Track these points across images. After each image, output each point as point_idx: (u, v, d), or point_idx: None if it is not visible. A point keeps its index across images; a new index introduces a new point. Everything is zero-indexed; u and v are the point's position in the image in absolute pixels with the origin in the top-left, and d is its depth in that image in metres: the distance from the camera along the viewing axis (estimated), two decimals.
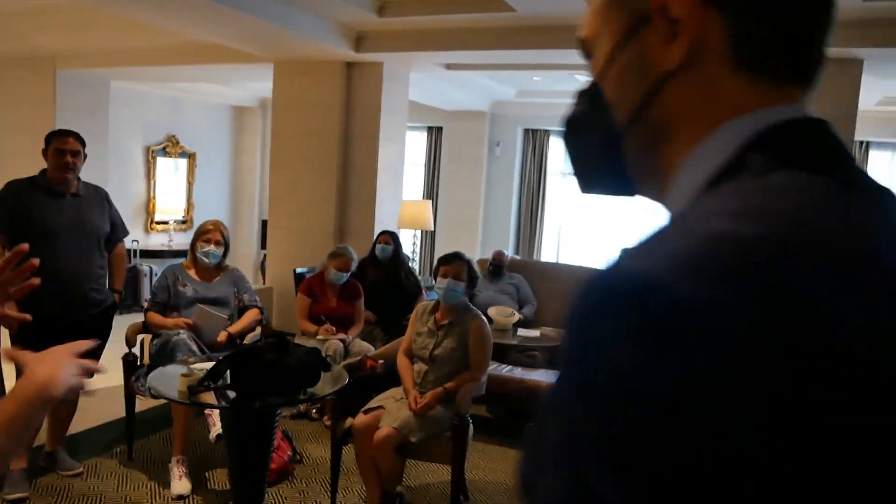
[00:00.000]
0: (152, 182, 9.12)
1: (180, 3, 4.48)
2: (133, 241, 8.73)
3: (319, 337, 4.40)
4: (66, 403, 3.41)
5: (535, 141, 8.98)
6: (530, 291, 5.93)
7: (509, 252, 8.89)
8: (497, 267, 5.95)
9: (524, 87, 8.23)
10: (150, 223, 9.16)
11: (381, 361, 3.51)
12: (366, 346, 4.33)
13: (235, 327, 3.85)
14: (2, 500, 3.24)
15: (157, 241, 9.18)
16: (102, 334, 3.51)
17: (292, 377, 2.61)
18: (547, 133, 8.91)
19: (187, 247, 9.37)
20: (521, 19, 4.98)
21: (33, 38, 6.90)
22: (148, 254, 8.86)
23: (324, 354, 3.79)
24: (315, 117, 6.20)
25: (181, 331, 3.62)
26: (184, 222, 9.67)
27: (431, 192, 9.51)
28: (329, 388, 2.89)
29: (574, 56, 5.37)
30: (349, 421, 3.19)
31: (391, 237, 5.40)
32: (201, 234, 3.93)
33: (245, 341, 3.83)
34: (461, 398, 3.08)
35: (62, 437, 3.60)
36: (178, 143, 9.40)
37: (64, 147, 3.36)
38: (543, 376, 4.31)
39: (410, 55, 5.74)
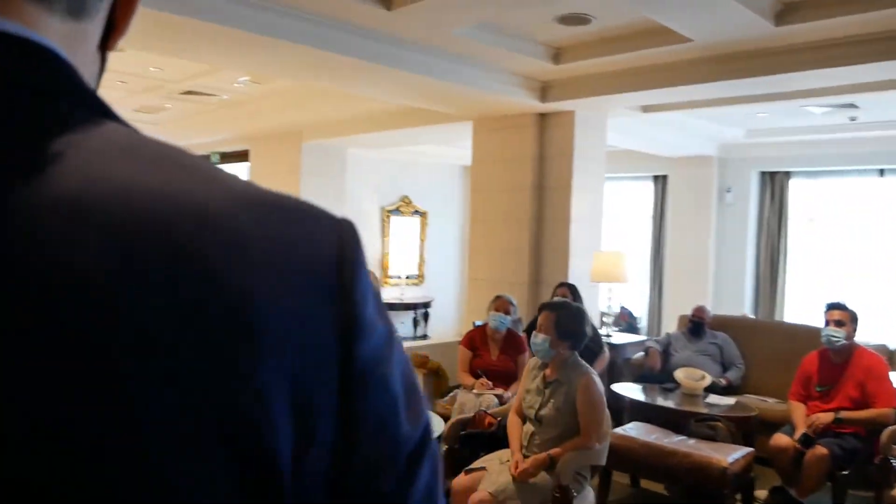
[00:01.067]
0: (387, 239, 9.83)
1: (391, 77, 4.83)
2: None
3: (475, 391, 4.29)
4: None
5: (773, 185, 8.00)
6: (737, 353, 5.21)
7: (747, 311, 7.97)
8: (697, 324, 5.33)
9: (753, 126, 7.42)
10: (384, 277, 9.84)
11: (500, 419, 3.28)
12: (492, 401, 4.11)
13: None
14: None
15: (390, 294, 9.80)
16: None
17: None
18: (787, 175, 7.89)
19: (419, 300, 9.91)
20: (703, 49, 4.52)
21: (284, 116, 7.94)
22: None
23: (479, 409, 3.68)
24: (509, 170, 6.22)
25: None
26: (416, 277, 10.23)
27: (659, 244, 8.93)
28: None
29: (780, 83, 4.72)
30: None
31: (569, 289, 5.14)
32: None
33: None
34: (562, 467, 2.74)
35: None
36: (410, 202, 10.05)
37: None
38: (718, 452, 3.68)
39: (598, 100, 5.50)
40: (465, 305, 10.09)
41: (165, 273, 0.34)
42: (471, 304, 6.64)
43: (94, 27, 0.45)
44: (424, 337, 9.59)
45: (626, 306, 8.77)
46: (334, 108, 7.33)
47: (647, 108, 5.98)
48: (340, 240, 0.41)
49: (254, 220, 0.38)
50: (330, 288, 0.39)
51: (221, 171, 0.41)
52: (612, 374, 5.49)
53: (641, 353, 5.59)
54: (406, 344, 7.22)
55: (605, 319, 6.03)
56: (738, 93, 5.16)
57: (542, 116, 6.04)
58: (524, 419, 3.04)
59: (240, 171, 9.82)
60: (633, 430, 4.16)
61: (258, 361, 0.35)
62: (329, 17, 4.14)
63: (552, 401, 2.90)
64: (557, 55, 5.01)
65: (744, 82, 4.71)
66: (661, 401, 4.69)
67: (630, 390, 4.96)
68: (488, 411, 3.55)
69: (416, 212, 10.14)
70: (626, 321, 8.70)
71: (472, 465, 2.99)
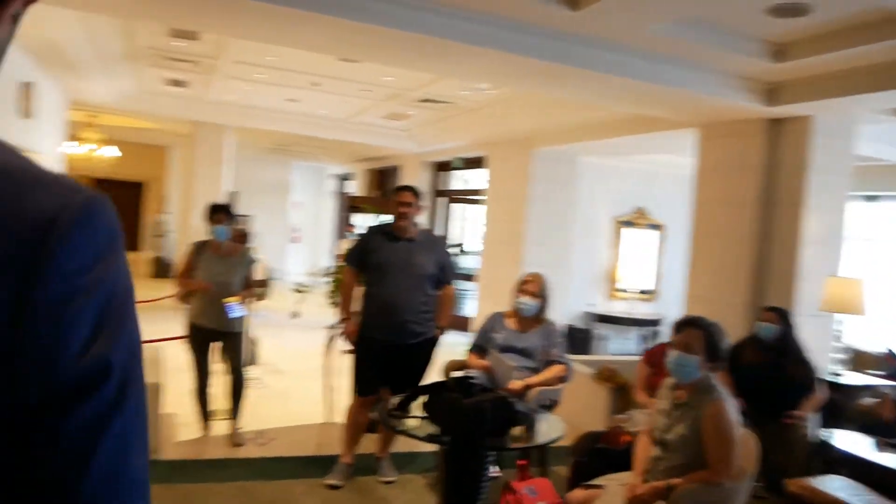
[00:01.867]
0: (617, 251, 9.54)
1: (593, 81, 4.77)
2: (589, 304, 9.27)
3: (647, 411, 4.02)
4: None
5: None
6: None
7: None
8: None
9: None
10: (612, 290, 9.56)
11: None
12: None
13: (535, 378, 3.84)
14: (322, 483, 3.93)
15: (617, 308, 9.50)
16: (419, 362, 3.97)
17: (463, 418, 2.55)
18: None
19: (649, 317, 9.48)
20: None
21: (515, 123, 8.15)
22: (606, 319, 9.26)
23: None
24: (732, 182, 5.71)
25: (474, 372, 3.82)
26: (650, 293, 9.79)
27: None
28: (520, 441, 2.70)
29: None
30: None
31: (778, 315, 4.56)
32: (520, 285, 4.08)
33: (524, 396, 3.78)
34: (678, 499, 2.48)
35: (387, 450, 4.16)
36: (646, 214, 9.64)
37: (401, 199, 3.98)
38: None
39: (837, 103, 4.80)
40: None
41: None
42: None
43: None
44: None
45: (895, 350, 7.47)
46: (563, 114, 7.33)
47: None
48: (65, 206, 0.49)
49: None
50: (24, 240, 0.47)
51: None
52: (833, 418, 4.75)
53: (873, 399, 4.77)
54: (620, 358, 6.95)
55: (835, 355, 5.24)
56: None
57: (774, 123, 5.43)
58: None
59: (480, 176, 10.25)
60: (829, 482, 3.59)
61: None
62: (521, 21, 4.17)
63: (679, 425, 2.62)
64: (780, 52, 4.48)
65: None
66: (881, 458, 3.97)
67: (846, 439, 4.26)
68: (627, 428, 3.32)
69: (653, 225, 9.70)
70: (893, 364, 7.43)
71: (592, 482, 2.82)
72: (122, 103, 8.69)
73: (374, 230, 4.19)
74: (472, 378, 2.73)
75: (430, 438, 2.76)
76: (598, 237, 9.45)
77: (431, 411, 2.73)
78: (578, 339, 8.79)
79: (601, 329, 9.17)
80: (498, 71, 4.87)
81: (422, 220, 4.04)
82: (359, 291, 4.16)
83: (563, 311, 8.64)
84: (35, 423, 0.46)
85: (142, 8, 4.38)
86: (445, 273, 4.11)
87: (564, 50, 4.38)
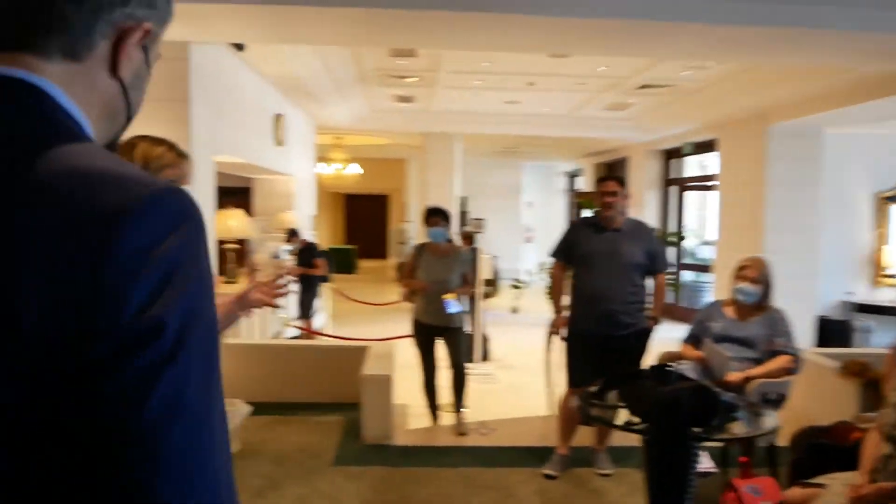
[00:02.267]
0: (881, 231, 8.40)
1: (852, 41, 4.32)
2: (847, 293, 8.28)
3: None
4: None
5: None
6: None
7: None
8: None
9: None
10: (877, 276, 8.45)
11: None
12: None
13: (756, 370, 3.57)
14: (539, 473, 4.02)
15: (883, 296, 8.37)
16: (631, 354, 3.90)
17: (658, 407, 2.46)
18: None
19: None
20: None
21: (745, 99, 7.58)
22: (870, 309, 8.20)
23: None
24: None
25: (686, 363, 3.64)
26: None
27: None
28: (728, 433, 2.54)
29: None
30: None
31: None
32: (738, 271, 3.82)
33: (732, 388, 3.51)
34: None
35: (604, 443, 4.13)
36: None
37: (604, 189, 3.94)
38: None
39: None
40: None
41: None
42: None
43: (94, 63, 0.68)
44: None
45: None
46: (800, 83, 6.66)
47: None
48: (137, 197, 0.60)
49: (66, 184, 0.60)
50: (95, 228, 0.58)
51: (98, 156, 0.64)
52: None
53: None
54: (874, 351, 6.15)
55: None
56: None
57: None
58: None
59: (711, 160, 9.66)
60: None
61: (20, 271, 0.58)
62: None
63: None
64: None
65: None
66: None
67: None
68: (860, 424, 2.93)
69: None
70: None
71: (813, 480, 2.57)
72: (359, 123, 9.57)
73: (580, 222, 4.21)
74: (669, 366, 2.63)
75: (625, 427, 2.72)
76: (855, 217, 8.40)
77: (627, 400, 2.68)
78: (834, 332, 7.89)
79: (863, 321, 8.13)
80: (717, 46, 4.57)
81: (641, 209, 3.94)
82: (569, 285, 4.19)
83: (812, 301, 7.83)
84: (101, 372, 0.56)
85: (363, 34, 4.80)
86: (656, 262, 3.99)
87: (791, 12, 3.98)
